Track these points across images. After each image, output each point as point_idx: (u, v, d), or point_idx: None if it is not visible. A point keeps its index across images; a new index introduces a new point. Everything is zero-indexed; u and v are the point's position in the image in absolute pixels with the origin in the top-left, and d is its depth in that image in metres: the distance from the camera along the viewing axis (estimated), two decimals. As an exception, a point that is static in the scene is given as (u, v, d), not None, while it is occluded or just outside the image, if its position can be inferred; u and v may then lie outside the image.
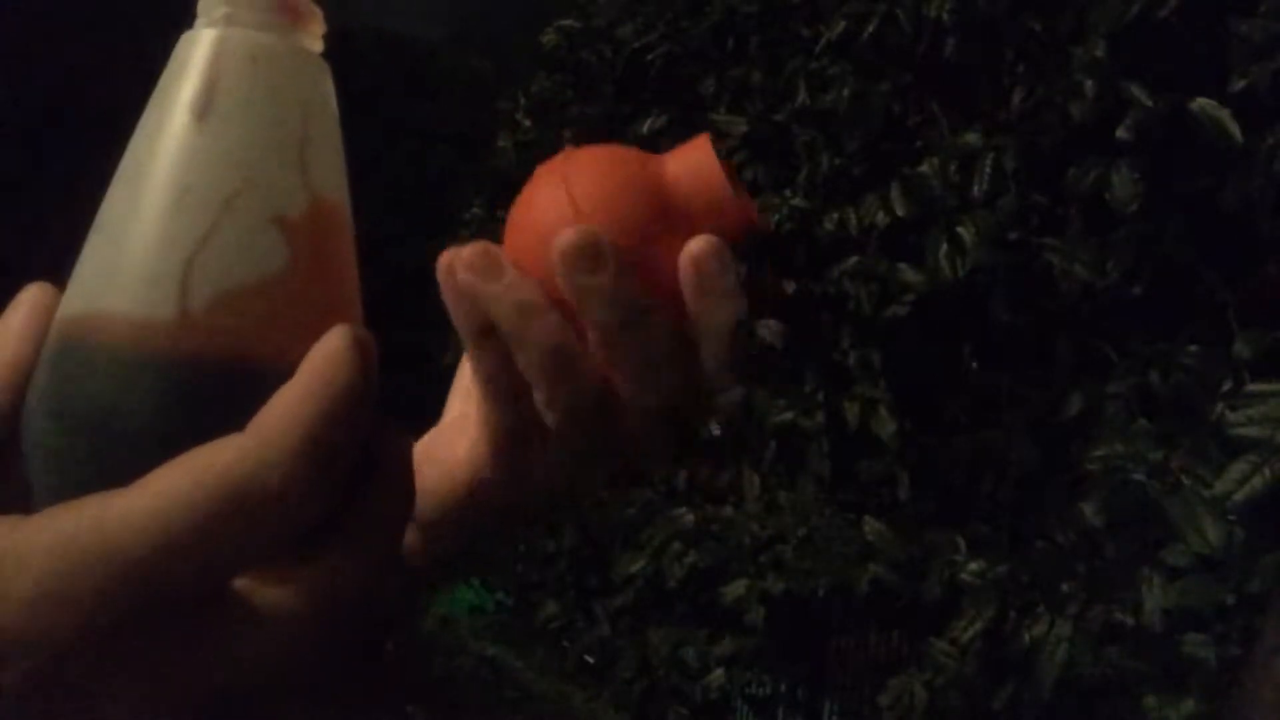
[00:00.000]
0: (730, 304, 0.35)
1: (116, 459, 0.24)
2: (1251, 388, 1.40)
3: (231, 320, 0.25)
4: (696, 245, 0.34)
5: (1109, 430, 1.61)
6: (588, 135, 3.10)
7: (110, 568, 0.22)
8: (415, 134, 5.28)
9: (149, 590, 0.23)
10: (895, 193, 1.97)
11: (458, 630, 3.31)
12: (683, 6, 2.77)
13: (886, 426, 2.00)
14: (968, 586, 1.73)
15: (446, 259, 0.36)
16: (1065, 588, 1.57)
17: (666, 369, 0.35)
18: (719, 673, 2.31)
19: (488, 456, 0.39)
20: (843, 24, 2.14)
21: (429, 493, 0.40)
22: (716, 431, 2.25)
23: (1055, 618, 1.55)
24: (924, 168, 1.95)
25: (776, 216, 2.19)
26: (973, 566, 1.75)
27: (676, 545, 2.33)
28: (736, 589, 2.15)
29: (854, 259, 2.08)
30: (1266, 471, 1.31)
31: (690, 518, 2.34)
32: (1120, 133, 1.59)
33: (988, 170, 1.85)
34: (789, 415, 2.14)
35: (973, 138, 1.91)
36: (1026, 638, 1.57)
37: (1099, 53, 1.62)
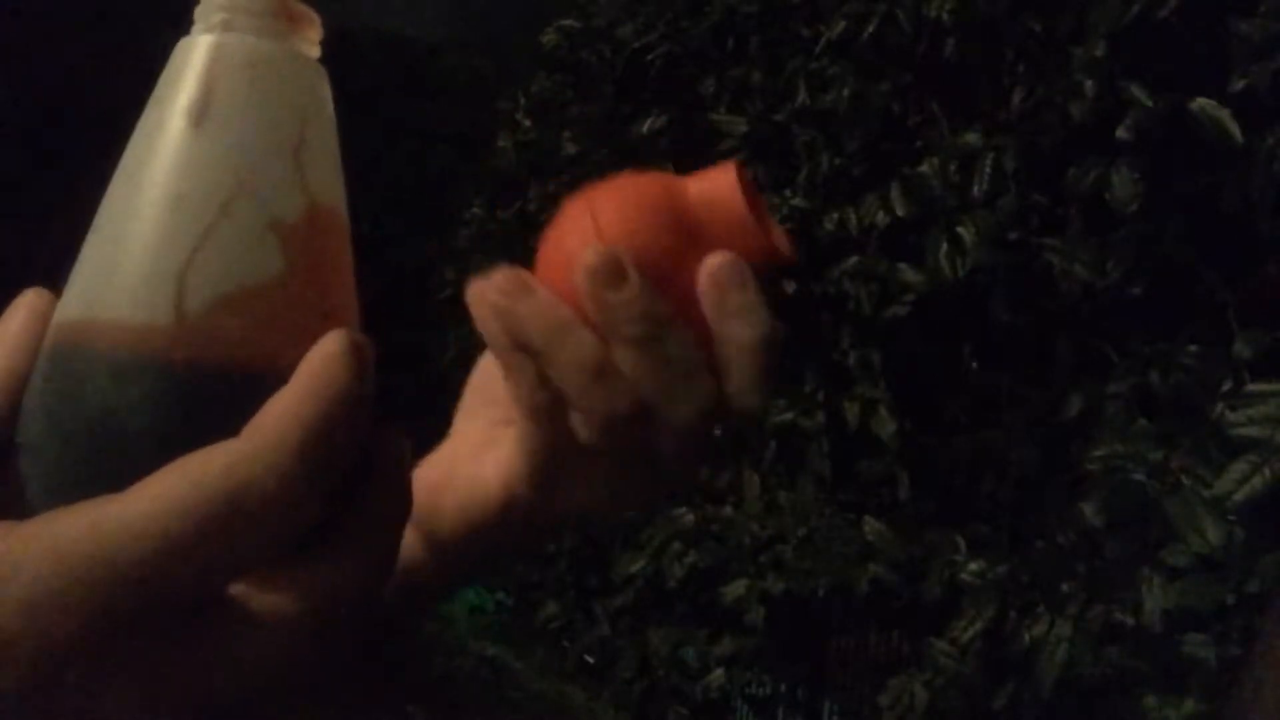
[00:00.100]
0: (752, 320, 0.35)
1: (113, 463, 0.24)
2: (1251, 388, 1.40)
3: (228, 325, 0.25)
4: (714, 262, 0.35)
5: (1109, 430, 1.61)
6: (588, 135, 3.10)
7: (107, 572, 0.22)
8: (415, 134, 5.27)
9: (146, 594, 0.23)
10: (895, 193, 1.97)
11: (458, 630, 3.31)
12: (683, 6, 2.77)
13: (886, 426, 2.00)
14: (968, 586, 1.73)
15: (478, 285, 0.37)
16: (1065, 588, 1.57)
17: (696, 385, 0.36)
18: (719, 673, 2.31)
19: (523, 475, 0.39)
20: (843, 24, 2.14)
21: (456, 511, 0.40)
22: (717, 431, 2.24)
23: (1055, 618, 1.55)
24: (924, 168, 1.95)
25: (776, 216, 2.18)
26: (973, 566, 1.75)
27: (676, 545, 2.33)
28: (736, 589, 2.15)
29: (854, 259, 2.08)
30: (1266, 471, 1.31)
31: (690, 518, 2.33)
32: (1120, 133, 1.59)
33: (988, 170, 1.85)
34: (789, 415, 2.14)
35: (973, 138, 1.91)
36: (1026, 638, 1.57)
37: (1099, 53, 1.62)
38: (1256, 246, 1.57)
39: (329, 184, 0.28)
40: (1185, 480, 1.43)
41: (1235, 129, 1.45)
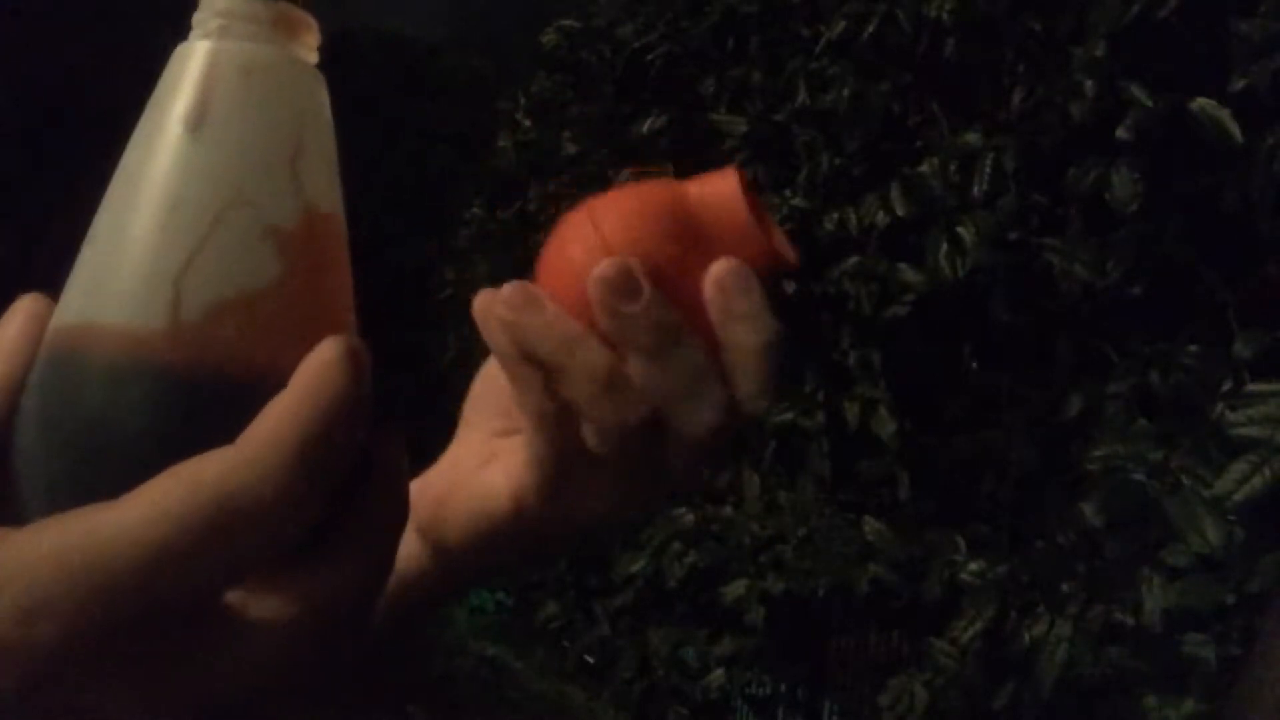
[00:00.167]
0: (758, 325, 0.35)
1: (109, 470, 0.24)
2: (1251, 388, 1.40)
3: (224, 331, 0.25)
4: (718, 268, 0.35)
5: (1109, 430, 1.61)
6: (588, 135, 3.10)
7: (104, 579, 0.22)
8: (415, 134, 5.27)
9: (143, 600, 0.23)
10: (895, 193, 1.97)
11: (458, 630, 3.31)
12: (683, 6, 2.77)
13: (886, 426, 2.00)
14: (968, 586, 1.73)
15: (484, 299, 0.37)
16: (1065, 588, 1.58)
17: (707, 393, 0.36)
18: (719, 673, 2.31)
19: (532, 485, 0.39)
20: (843, 24, 2.14)
21: (464, 521, 0.41)
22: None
23: (1055, 618, 1.55)
24: (924, 168, 1.95)
25: (776, 216, 2.18)
26: (973, 566, 1.75)
27: (676, 545, 2.33)
28: (736, 589, 2.15)
29: (854, 259, 2.08)
30: (1266, 471, 1.31)
31: (690, 518, 2.34)
32: (1120, 133, 1.59)
33: (988, 170, 1.85)
34: (789, 415, 2.14)
35: (973, 138, 1.91)
36: (1026, 638, 1.57)
37: (1099, 53, 1.62)
38: (1256, 246, 1.57)
39: (326, 190, 0.28)
40: (1185, 480, 1.43)
41: (1235, 129, 1.45)
